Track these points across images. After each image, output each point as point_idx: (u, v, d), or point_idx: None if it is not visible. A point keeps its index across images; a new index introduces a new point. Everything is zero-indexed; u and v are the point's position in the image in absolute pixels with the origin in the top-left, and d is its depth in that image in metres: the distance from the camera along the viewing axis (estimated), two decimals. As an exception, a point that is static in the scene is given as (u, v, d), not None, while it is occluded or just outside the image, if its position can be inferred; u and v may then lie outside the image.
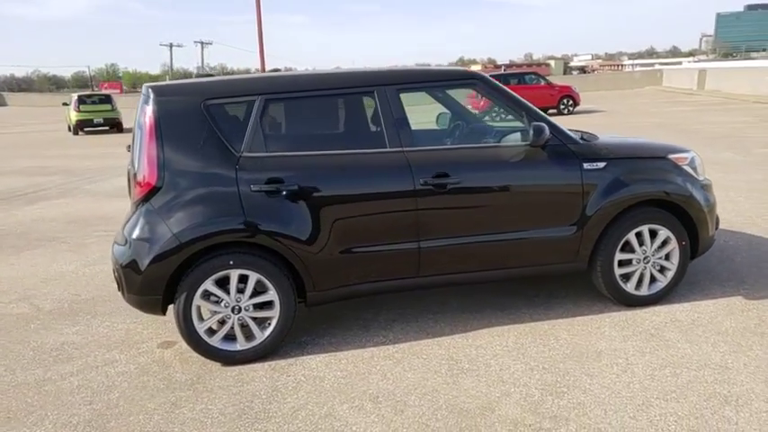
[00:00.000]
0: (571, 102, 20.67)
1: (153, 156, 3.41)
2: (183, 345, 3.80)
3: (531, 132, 3.65)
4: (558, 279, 4.51)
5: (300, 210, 3.47)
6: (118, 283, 3.54)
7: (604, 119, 18.60)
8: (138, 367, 3.59)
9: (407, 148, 3.63)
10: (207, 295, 3.46)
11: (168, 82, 3.83)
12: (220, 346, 3.53)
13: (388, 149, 3.61)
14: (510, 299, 4.28)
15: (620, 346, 3.51)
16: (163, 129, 3.42)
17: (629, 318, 3.89)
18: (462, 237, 3.70)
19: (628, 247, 3.95)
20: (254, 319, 3.54)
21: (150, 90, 3.52)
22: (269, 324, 3.56)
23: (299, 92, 3.65)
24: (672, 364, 3.27)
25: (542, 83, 21.16)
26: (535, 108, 3.89)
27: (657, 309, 3.99)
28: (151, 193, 3.42)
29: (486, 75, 4.09)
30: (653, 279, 4.04)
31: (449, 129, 4.42)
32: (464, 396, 3.07)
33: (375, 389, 3.19)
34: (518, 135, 3.83)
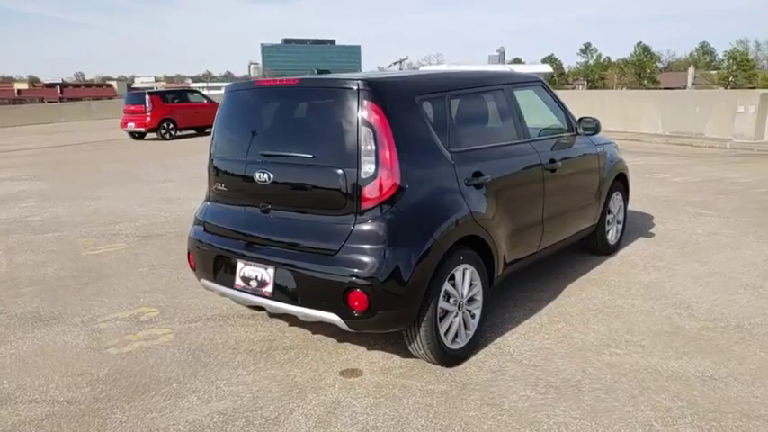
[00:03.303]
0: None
1: (393, 155, 3.14)
2: (369, 365, 3.53)
3: (594, 125, 4.69)
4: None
5: (492, 199, 3.69)
6: (368, 305, 3.06)
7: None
8: (375, 399, 3.19)
9: (530, 139, 4.21)
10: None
11: (375, 76, 3.37)
12: (451, 347, 3.47)
13: (523, 140, 4.13)
14: (538, 272, 5.10)
15: (654, 275, 4.90)
16: (394, 126, 3.18)
17: (621, 260, 5.31)
18: (561, 211, 4.48)
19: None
20: (468, 312, 3.60)
21: (365, 84, 3.17)
22: (473, 316, 3.66)
23: (466, 89, 3.83)
24: (701, 275, 4.83)
25: (205, 101, 21.11)
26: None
27: (624, 253, 5.54)
28: (396, 195, 3.14)
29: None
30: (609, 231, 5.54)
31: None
32: (649, 322, 3.95)
33: (600, 338, 3.76)
34: (555, 129, 4.79)
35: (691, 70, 61.74)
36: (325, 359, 3.64)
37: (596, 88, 65.13)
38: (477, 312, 3.65)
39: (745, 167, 10.31)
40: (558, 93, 5.87)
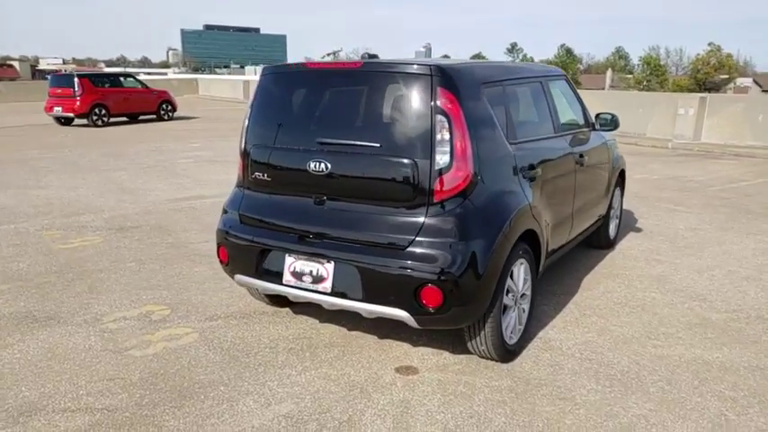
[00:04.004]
0: (170, 107, 20.27)
1: (467, 146, 3.05)
2: (422, 362, 3.44)
3: (613, 120, 4.77)
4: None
5: (539, 192, 3.66)
6: (443, 301, 2.95)
7: (206, 124, 18.87)
8: (443, 397, 3.10)
9: (563, 133, 4.23)
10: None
11: (443, 62, 3.21)
12: (509, 342, 3.43)
13: (559, 133, 4.14)
14: (550, 266, 5.17)
15: (659, 269, 5.07)
16: (467, 115, 3.08)
17: (622, 254, 5.47)
18: (585, 203, 4.55)
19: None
20: (519, 307, 3.57)
21: (438, 70, 3.05)
22: (524, 311, 3.63)
23: (516, 79, 3.78)
24: (702, 268, 5.04)
25: (140, 86, 19.95)
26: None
27: (622, 247, 5.71)
28: (469, 187, 3.05)
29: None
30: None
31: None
32: (676, 314, 4.08)
33: (638, 331, 3.83)
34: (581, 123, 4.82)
35: (609, 73, 65.00)
36: (374, 357, 3.51)
37: (520, 88, 66.98)
38: (527, 307, 3.63)
39: (693, 166, 10.91)
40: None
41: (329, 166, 3.19)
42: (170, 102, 20.32)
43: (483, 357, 3.42)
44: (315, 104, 3.37)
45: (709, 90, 51.80)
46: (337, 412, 2.94)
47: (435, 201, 3.02)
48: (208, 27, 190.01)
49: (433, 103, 3.01)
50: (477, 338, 3.27)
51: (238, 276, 3.59)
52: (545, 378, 3.27)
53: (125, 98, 19.08)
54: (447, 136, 3.00)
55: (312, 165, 3.23)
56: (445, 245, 2.98)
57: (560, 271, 4.97)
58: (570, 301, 4.37)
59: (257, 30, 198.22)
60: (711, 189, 8.67)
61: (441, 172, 3.00)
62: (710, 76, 58.52)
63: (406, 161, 3.03)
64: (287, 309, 4.18)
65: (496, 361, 3.40)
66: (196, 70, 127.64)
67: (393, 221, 3.09)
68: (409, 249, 3.01)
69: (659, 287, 4.64)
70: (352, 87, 3.30)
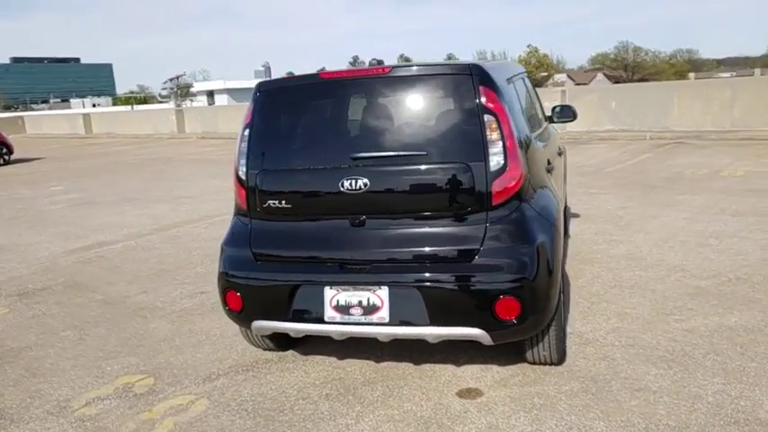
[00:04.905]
0: (5, 149, 17.77)
1: (515, 144, 2.88)
2: (478, 381, 3.24)
3: (571, 113, 4.86)
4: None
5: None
6: (521, 311, 2.73)
7: (58, 164, 16.75)
8: (528, 414, 2.89)
9: (544, 126, 4.24)
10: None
11: (474, 61, 2.93)
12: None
13: (543, 127, 4.14)
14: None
15: (624, 248, 5.27)
16: (510, 113, 2.91)
17: (579, 239, 5.63)
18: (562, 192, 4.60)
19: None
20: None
21: (478, 69, 2.85)
22: (559, 308, 3.54)
23: (515, 75, 3.67)
24: (657, 242, 5.32)
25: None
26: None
27: (574, 232, 5.88)
28: (523, 186, 2.89)
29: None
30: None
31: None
32: (671, 287, 4.23)
33: (652, 309, 3.91)
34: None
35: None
36: (425, 386, 3.20)
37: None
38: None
39: (572, 152, 11.48)
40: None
41: (368, 182, 2.84)
42: (5, 143, 17.91)
43: (539, 364, 3.25)
44: (339, 117, 3.01)
45: (533, 86, 56.89)
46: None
47: (494, 204, 2.81)
48: (16, 60, 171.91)
49: (478, 102, 2.81)
50: (542, 344, 3.10)
51: (258, 323, 3.09)
52: (606, 372, 3.18)
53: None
54: (496, 135, 2.81)
55: (347, 183, 2.86)
56: (514, 251, 2.78)
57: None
58: (569, 291, 4.36)
59: (77, 60, 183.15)
60: (606, 171, 9.35)
61: (497, 174, 2.80)
62: (533, 75, 64.23)
63: (459, 166, 2.79)
64: (291, 351, 3.71)
65: (553, 365, 3.25)
66: (8, 108, 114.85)
67: (451, 233, 2.83)
68: (477, 261, 2.77)
69: (637, 265, 4.81)
70: (382, 95, 2.98)
